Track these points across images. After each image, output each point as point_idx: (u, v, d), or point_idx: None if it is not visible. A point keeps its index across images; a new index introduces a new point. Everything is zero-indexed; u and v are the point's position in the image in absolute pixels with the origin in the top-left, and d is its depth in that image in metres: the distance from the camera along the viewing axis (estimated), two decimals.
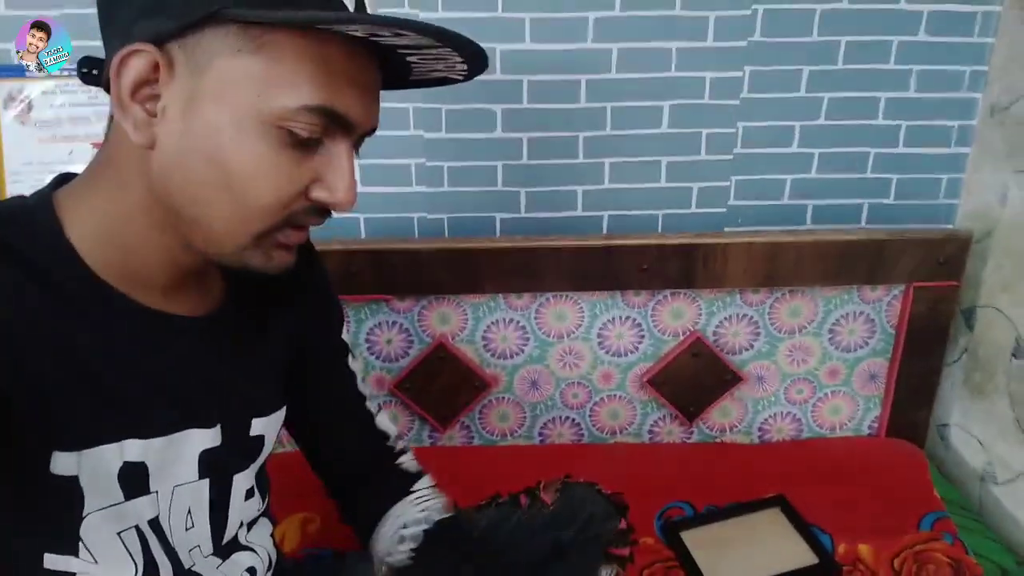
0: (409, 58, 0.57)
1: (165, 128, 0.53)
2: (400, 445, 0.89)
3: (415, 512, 0.83)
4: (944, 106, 1.25)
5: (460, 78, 0.63)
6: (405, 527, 0.81)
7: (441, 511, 0.84)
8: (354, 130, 0.56)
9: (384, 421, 0.88)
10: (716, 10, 1.18)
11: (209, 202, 0.54)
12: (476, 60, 0.58)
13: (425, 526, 0.81)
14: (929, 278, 1.23)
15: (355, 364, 0.85)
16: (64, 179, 0.60)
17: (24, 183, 1.15)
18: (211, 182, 0.53)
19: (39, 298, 0.53)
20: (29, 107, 1.14)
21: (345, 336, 0.84)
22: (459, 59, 0.57)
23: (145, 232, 0.57)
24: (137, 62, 0.52)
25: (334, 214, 0.61)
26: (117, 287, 0.57)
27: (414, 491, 0.86)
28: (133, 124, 0.53)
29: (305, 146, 0.54)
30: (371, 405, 0.87)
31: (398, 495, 0.85)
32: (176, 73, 0.52)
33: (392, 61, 0.58)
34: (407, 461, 0.89)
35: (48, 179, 1.13)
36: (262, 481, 0.76)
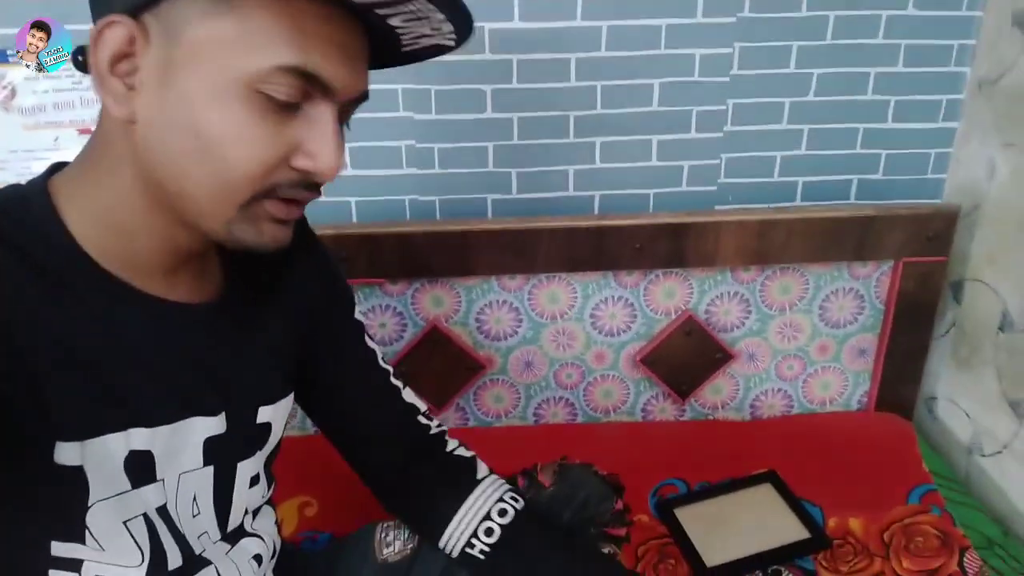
0: (391, 20, 0.55)
1: (144, 100, 0.52)
2: (435, 424, 0.86)
3: (493, 504, 0.80)
4: (932, 80, 1.26)
5: (451, 43, 0.60)
6: (489, 517, 0.79)
7: (513, 496, 0.82)
8: (335, 94, 0.55)
9: (411, 396, 0.85)
10: None
11: (190, 173, 0.53)
12: (455, 11, 0.55)
13: (509, 518, 0.79)
14: (918, 253, 1.24)
15: (372, 344, 0.83)
16: (59, 167, 0.60)
17: (10, 171, 1.14)
18: (190, 152, 0.52)
19: (37, 288, 0.53)
20: (12, 93, 1.12)
21: (360, 317, 0.82)
22: (441, 17, 0.55)
23: (140, 214, 0.56)
24: (112, 34, 0.51)
25: (323, 189, 0.59)
26: (117, 274, 0.57)
27: (481, 481, 0.82)
28: (113, 98, 0.52)
29: (285, 111, 0.53)
30: (396, 381, 0.84)
31: (466, 489, 0.81)
32: (151, 43, 0.52)
33: (378, 29, 0.56)
34: (456, 447, 0.85)
35: (34, 167, 1.14)
36: (269, 470, 0.75)
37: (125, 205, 0.56)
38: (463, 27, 0.58)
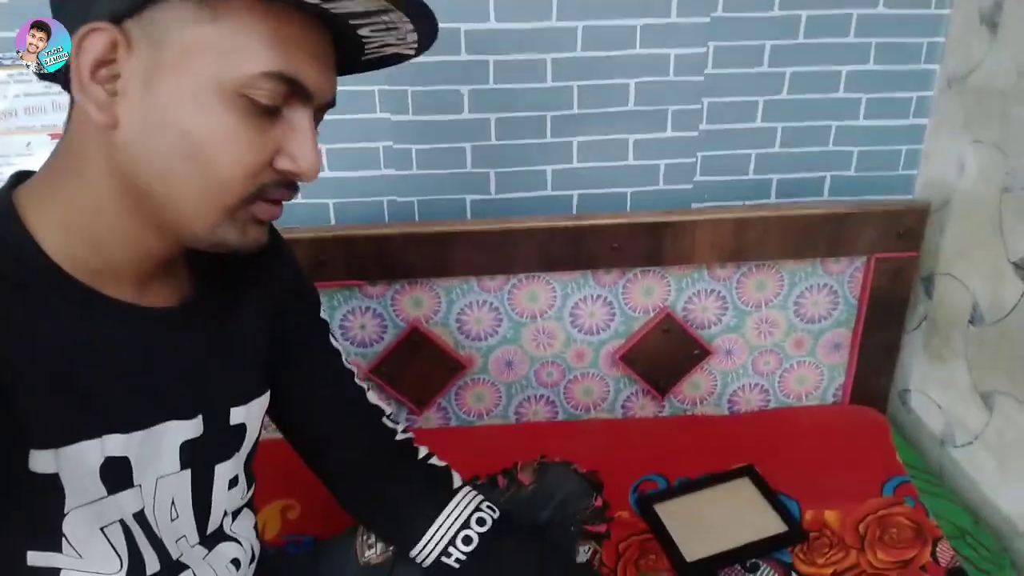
0: (360, 31, 0.58)
1: (127, 106, 0.53)
2: (400, 428, 0.85)
3: (471, 513, 0.80)
4: (903, 78, 1.27)
5: (412, 52, 0.64)
6: (467, 527, 0.79)
7: (490, 506, 0.82)
8: (312, 99, 0.57)
9: (375, 398, 0.84)
10: None
11: (177, 177, 0.54)
12: (426, 22, 0.58)
13: (487, 527, 0.80)
14: (889, 249, 1.26)
15: (337, 344, 0.83)
16: (21, 176, 0.59)
17: None
18: (177, 155, 0.53)
19: (7, 299, 0.53)
20: None
21: (324, 316, 0.82)
22: (410, 27, 0.58)
23: (115, 221, 0.56)
24: (95, 40, 0.51)
25: (301, 189, 0.61)
26: (86, 282, 0.57)
27: (459, 490, 0.82)
28: (96, 105, 0.52)
29: (266, 116, 0.55)
30: (360, 383, 0.83)
31: (445, 497, 0.81)
32: (135, 49, 0.52)
33: (345, 36, 0.58)
34: (429, 454, 0.85)
35: (5, 172, 1.13)
36: (249, 471, 0.75)
37: (99, 214, 0.56)
38: (427, 38, 0.61)
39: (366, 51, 0.62)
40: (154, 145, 0.53)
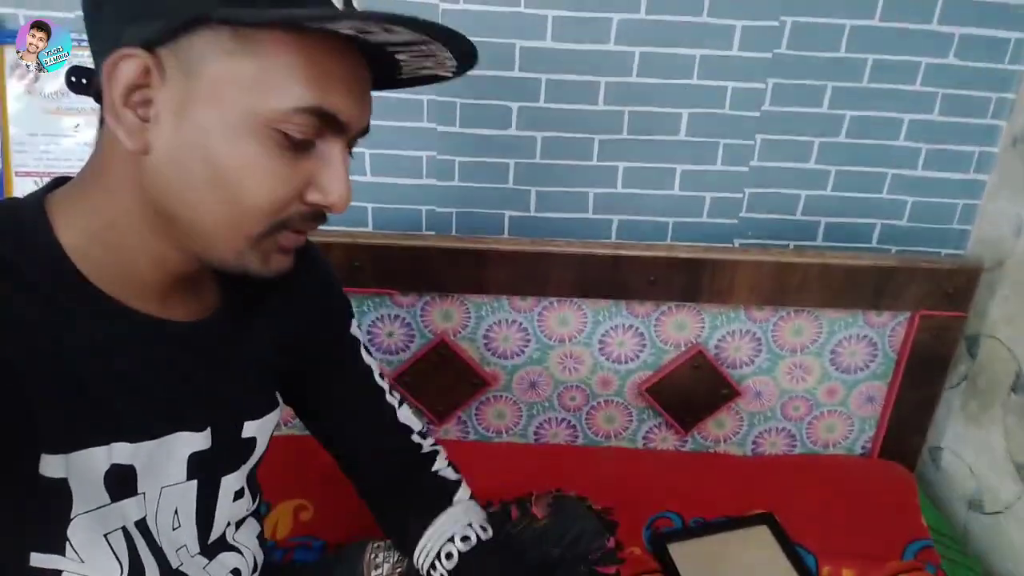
0: (399, 56, 0.56)
1: (158, 133, 0.53)
2: (428, 443, 0.87)
3: (458, 530, 0.81)
4: (967, 131, 1.23)
5: (449, 75, 0.62)
6: (452, 540, 0.80)
7: (482, 526, 0.82)
8: (346, 131, 0.56)
9: (407, 414, 0.86)
10: (743, 19, 1.15)
11: (203, 206, 0.54)
12: (466, 58, 0.57)
13: (470, 545, 0.80)
14: (936, 307, 1.22)
15: (370, 359, 0.84)
16: (60, 182, 0.60)
17: (28, 153, 1.13)
18: (205, 185, 0.53)
19: (28, 302, 0.53)
20: (36, 76, 1.11)
21: (356, 331, 0.83)
22: (448, 55, 0.57)
23: (138, 237, 0.57)
24: (128, 67, 0.51)
25: (330, 216, 0.61)
26: (109, 292, 0.57)
27: (455, 504, 0.83)
28: (126, 130, 0.52)
29: (298, 148, 0.54)
30: (392, 399, 0.85)
31: (438, 508, 0.82)
32: (167, 77, 0.52)
33: (381, 59, 0.57)
34: (443, 468, 0.87)
35: (53, 151, 1.14)
36: (253, 482, 0.76)
37: (123, 228, 0.56)
38: (466, 62, 0.59)
39: (402, 72, 0.60)
40: (183, 173, 0.53)
